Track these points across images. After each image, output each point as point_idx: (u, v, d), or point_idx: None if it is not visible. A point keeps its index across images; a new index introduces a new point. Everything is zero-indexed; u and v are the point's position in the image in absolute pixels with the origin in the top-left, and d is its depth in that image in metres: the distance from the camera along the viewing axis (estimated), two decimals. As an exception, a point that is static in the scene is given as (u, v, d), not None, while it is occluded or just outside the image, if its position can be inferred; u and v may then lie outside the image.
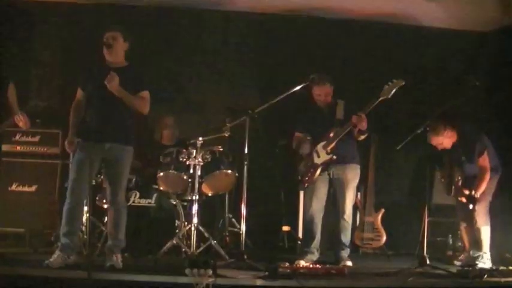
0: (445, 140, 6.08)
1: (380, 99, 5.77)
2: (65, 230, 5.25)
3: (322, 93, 6.06)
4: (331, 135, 5.96)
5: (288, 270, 5.31)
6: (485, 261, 5.99)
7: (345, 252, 6.03)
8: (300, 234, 6.64)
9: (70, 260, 5.19)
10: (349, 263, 5.92)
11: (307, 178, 6.00)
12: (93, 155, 5.22)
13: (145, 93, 5.39)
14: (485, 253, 6.02)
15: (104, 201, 5.91)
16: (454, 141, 6.12)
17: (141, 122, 5.63)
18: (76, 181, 5.25)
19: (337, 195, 6.05)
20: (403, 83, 5.75)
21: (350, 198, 6.03)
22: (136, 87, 5.35)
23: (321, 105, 6.13)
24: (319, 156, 5.98)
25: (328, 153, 5.94)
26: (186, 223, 6.06)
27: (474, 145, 6.02)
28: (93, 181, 5.60)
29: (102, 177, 5.82)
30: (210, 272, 4.79)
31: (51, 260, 5.15)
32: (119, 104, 5.23)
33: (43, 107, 5.68)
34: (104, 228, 5.89)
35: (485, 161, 5.99)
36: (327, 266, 5.58)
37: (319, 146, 5.99)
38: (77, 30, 7.16)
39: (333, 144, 5.93)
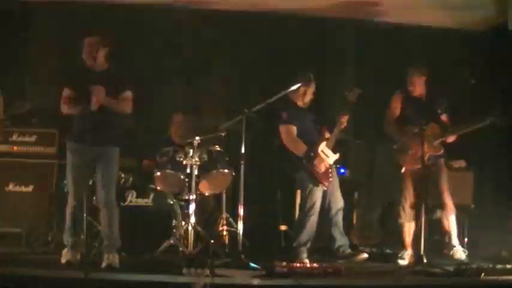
0: (419, 85, 6.15)
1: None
2: (71, 231, 5.42)
3: (309, 93, 6.22)
4: (327, 134, 6.08)
5: (285, 269, 5.31)
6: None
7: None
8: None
9: (78, 255, 5.37)
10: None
11: (330, 179, 6.07)
12: (85, 156, 5.33)
13: (128, 94, 5.48)
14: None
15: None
16: (423, 89, 6.17)
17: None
18: (75, 183, 5.37)
19: (335, 193, 6.20)
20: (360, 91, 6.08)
21: None
22: (119, 88, 5.43)
23: (306, 104, 6.19)
24: (328, 156, 6.06)
25: (334, 153, 6.09)
26: (183, 223, 6.07)
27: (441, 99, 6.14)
28: (90, 181, 5.60)
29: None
30: (207, 271, 4.80)
31: (65, 258, 5.33)
32: (105, 107, 5.31)
33: (30, 107, 5.68)
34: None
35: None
36: (324, 264, 5.59)
37: (324, 146, 6.07)
38: (69, 29, 7.14)
39: (333, 143, 6.07)
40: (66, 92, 5.44)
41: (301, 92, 6.18)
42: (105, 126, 5.31)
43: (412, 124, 6.10)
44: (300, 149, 6.06)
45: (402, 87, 6.27)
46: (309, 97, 6.24)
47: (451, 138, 6.07)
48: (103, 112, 5.28)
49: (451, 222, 6.10)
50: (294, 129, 6.10)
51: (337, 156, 6.12)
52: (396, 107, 6.25)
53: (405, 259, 6.11)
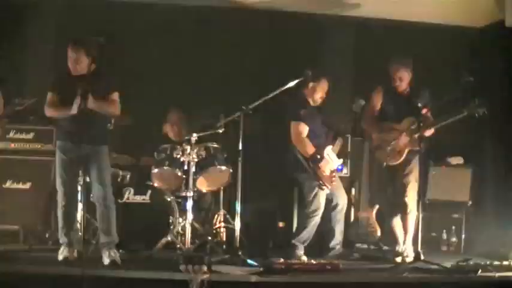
0: (405, 81, 6.12)
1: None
2: (65, 230, 5.48)
3: (320, 90, 6.13)
4: (333, 139, 6.20)
5: (283, 266, 5.32)
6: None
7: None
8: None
9: (75, 253, 5.46)
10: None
11: (334, 182, 6.12)
12: (75, 154, 5.40)
13: (115, 95, 5.56)
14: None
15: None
16: (407, 85, 6.15)
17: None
18: (65, 182, 5.46)
19: (339, 191, 6.29)
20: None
21: None
22: (106, 89, 5.50)
23: (316, 103, 6.19)
24: (332, 160, 6.11)
25: (338, 158, 6.18)
26: (180, 219, 6.07)
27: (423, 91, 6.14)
28: (87, 178, 5.60)
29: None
30: (205, 268, 4.80)
31: (62, 256, 5.41)
32: (91, 109, 5.36)
33: (30, 104, 5.70)
34: (98, 226, 5.89)
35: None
36: (322, 261, 5.60)
37: (329, 150, 6.10)
38: (68, 26, 7.14)
39: (339, 148, 6.20)
40: (49, 96, 5.49)
41: (311, 89, 6.15)
42: (91, 126, 5.35)
43: (391, 120, 6.14)
44: (308, 150, 6.02)
45: (384, 82, 6.26)
46: (319, 95, 6.17)
47: (428, 132, 5.97)
48: (89, 112, 5.32)
49: (409, 222, 6.06)
50: (306, 128, 6.05)
51: (340, 161, 6.20)
52: (377, 102, 6.23)
53: (400, 256, 6.12)
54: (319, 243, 6.30)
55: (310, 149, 6.02)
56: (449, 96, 5.93)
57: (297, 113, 6.05)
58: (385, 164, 6.14)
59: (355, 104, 6.25)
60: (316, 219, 6.09)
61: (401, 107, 6.11)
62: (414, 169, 6.08)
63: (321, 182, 6.01)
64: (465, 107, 5.81)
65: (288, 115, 6.12)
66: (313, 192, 6.05)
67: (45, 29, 7.38)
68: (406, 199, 6.02)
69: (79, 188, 5.61)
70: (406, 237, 6.09)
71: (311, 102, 6.20)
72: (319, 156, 6.01)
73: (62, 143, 5.50)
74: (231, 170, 6.18)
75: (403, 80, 6.12)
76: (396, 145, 6.04)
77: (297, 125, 6.04)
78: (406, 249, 6.07)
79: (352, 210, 6.98)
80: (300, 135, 6.04)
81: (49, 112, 5.50)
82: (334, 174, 6.13)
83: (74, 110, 5.29)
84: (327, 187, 6.04)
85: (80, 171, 5.50)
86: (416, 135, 5.94)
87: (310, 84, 6.13)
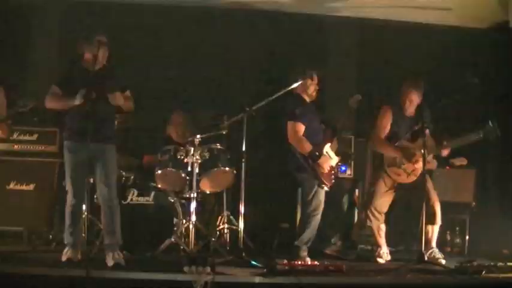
0: (416, 102, 6.09)
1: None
2: (71, 229, 5.45)
3: (313, 84, 6.15)
4: (330, 136, 6.13)
5: (286, 267, 5.32)
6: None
7: None
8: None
9: (79, 254, 5.41)
10: None
11: (333, 180, 6.09)
12: (82, 154, 5.33)
13: (127, 92, 5.57)
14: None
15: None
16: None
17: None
18: (74, 182, 5.42)
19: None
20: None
21: None
22: (118, 87, 5.47)
23: (312, 97, 6.18)
24: (331, 158, 6.07)
25: (336, 155, 6.13)
26: (184, 221, 6.07)
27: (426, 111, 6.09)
28: (91, 179, 5.61)
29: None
30: (209, 269, 4.81)
31: (66, 257, 5.36)
32: (101, 106, 5.34)
33: (33, 106, 5.70)
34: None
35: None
36: (325, 262, 5.60)
37: (328, 148, 6.06)
38: (69, 27, 7.15)
39: (337, 146, 6.17)
40: (53, 87, 5.45)
41: (304, 85, 6.11)
42: (98, 124, 5.34)
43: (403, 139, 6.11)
44: (305, 148, 5.99)
45: (393, 100, 6.23)
46: (312, 88, 6.16)
47: (445, 152, 6.04)
48: (98, 110, 5.30)
49: (434, 232, 6.06)
50: (302, 127, 6.00)
51: (338, 159, 6.15)
52: (387, 123, 6.16)
53: (382, 257, 6.13)
54: (317, 240, 6.32)
55: (308, 147, 5.98)
56: (453, 100, 5.95)
57: (292, 112, 6.03)
58: (397, 182, 6.13)
59: (351, 99, 6.19)
60: (317, 218, 6.07)
61: (411, 127, 6.09)
62: (430, 181, 6.09)
63: (320, 180, 5.99)
64: (481, 128, 5.80)
65: (284, 114, 6.12)
66: (313, 191, 6.03)
67: (48, 30, 7.40)
68: (436, 211, 6.02)
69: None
70: (432, 242, 6.07)
71: (307, 99, 6.19)
72: (317, 153, 5.98)
73: (69, 143, 5.45)
74: (234, 171, 6.19)
75: (414, 102, 6.10)
76: (412, 164, 6.04)
77: (293, 124, 6.01)
78: (435, 250, 6.06)
79: (356, 211, 6.98)
80: (296, 134, 6.00)
81: (50, 103, 5.42)
82: (333, 172, 6.10)
83: (78, 100, 5.25)
84: (326, 185, 6.03)
85: (87, 170, 5.45)
86: (432, 155, 5.99)
87: (303, 82, 6.12)
